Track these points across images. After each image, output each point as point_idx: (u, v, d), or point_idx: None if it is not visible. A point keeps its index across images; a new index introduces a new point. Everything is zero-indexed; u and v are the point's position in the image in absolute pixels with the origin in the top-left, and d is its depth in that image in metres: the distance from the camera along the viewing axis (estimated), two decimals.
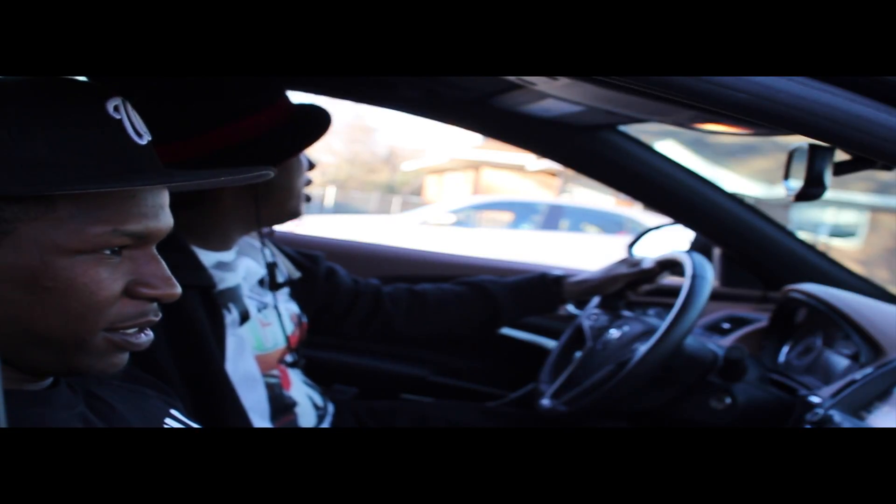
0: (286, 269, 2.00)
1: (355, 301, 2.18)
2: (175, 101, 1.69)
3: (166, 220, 1.03)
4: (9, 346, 0.96)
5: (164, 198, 1.03)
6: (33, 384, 1.03)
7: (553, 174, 22.00)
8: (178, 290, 1.03)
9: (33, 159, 0.92)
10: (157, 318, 1.04)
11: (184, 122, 1.68)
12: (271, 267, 1.93)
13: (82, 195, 0.94)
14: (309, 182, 1.90)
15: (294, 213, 1.88)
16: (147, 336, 1.04)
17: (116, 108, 0.99)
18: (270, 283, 1.91)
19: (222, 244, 1.81)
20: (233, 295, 1.78)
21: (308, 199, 1.90)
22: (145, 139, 1.02)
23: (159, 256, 1.03)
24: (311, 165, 1.91)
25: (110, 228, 0.96)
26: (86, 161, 0.95)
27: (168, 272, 1.03)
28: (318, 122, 1.80)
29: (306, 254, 2.13)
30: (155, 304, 1.03)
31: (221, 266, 1.78)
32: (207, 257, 1.76)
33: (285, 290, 1.97)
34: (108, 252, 0.97)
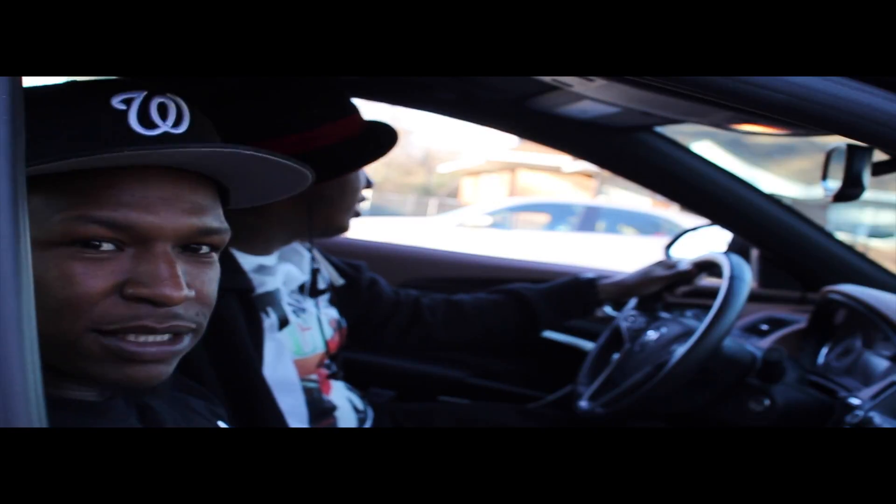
0: (329, 276, 2.01)
1: (395, 311, 2.19)
2: (251, 104, 1.72)
3: (166, 216, 0.94)
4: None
5: (168, 193, 0.95)
6: (92, 395, 1.01)
7: (589, 176, 21.94)
8: (178, 292, 0.93)
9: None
10: (161, 326, 0.95)
11: (257, 125, 1.71)
12: (315, 273, 1.94)
13: (54, 184, 0.90)
14: (363, 199, 1.91)
15: (341, 228, 1.90)
16: (156, 348, 0.95)
17: (126, 101, 0.95)
18: (311, 288, 1.93)
19: (264, 249, 1.82)
20: (271, 299, 1.79)
21: (357, 214, 1.91)
22: (158, 130, 0.95)
23: (171, 258, 0.95)
24: (369, 184, 1.91)
25: (75, 214, 0.90)
26: (59, 147, 0.91)
27: (171, 273, 0.94)
28: (382, 141, 1.81)
29: (350, 263, 2.15)
30: (161, 310, 0.94)
31: (262, 270, 1.79)
32: (248, 261, 1.77)
33: (325, 296, 1.97)
34: (93, 246, 0.91)
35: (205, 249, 1.00)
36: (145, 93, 0.96)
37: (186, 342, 0.99)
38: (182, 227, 0.95)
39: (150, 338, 0.95)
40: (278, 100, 1.73)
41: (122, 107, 0.95)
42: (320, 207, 1.79)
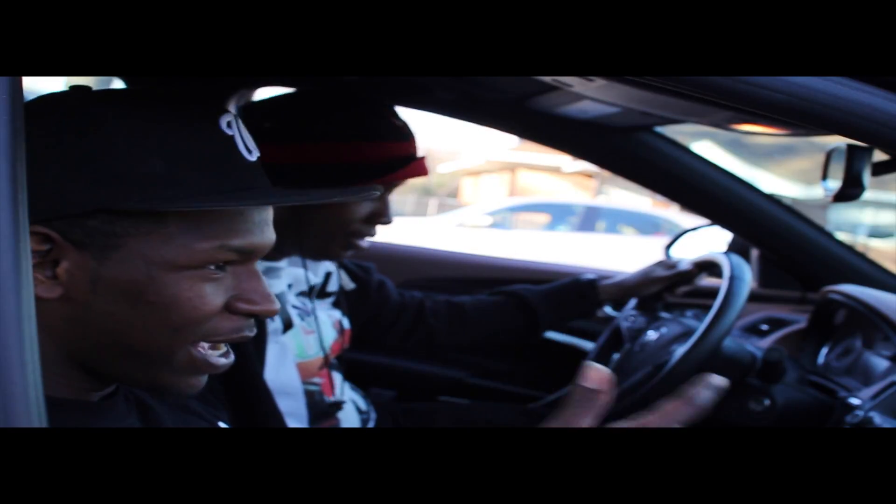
0: (340, 280, 2.01)
1: (400, 314, 2.19)
2: (309, 106, 1.76)
3: (269, 236, 1.03)
4: (98, 356, 0.98)
5: (269, 214, 1.03)
6: (93, 393, 1.02)
7: (589, 176, 21.93)
8: (277, 305, 1.03)
9: (148, 175, 0.93)
10: (252, 334, 1.04)
11: (310, 128, 1.74)
12: (327, 276, 1.94)
13: (192, 212, 0.95)
14: (360, 233, 1.85)
15: (331, 256, 1.89)
16: (227, 360, 1.04)
17: (229, 125, 0.99)
18: (320, 291, 1.92)
19: (273, 256, 1.81)
20: None
21: (352, 246, 1.85)
22: (254, 155, 1.02)
23: (260, 273, 1.03)
24: (387, 220, 1.86)
25: (217, 244, 0.96)
26: (198, 177, 0.95)
27: (267, 289, 1.02)
28: (404, 171, 1.79)
29: (361, 265, 2.14)
30: (251, 321, 1.03)
31: (268, 272, 1.79)
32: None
33: (330, 299, 1.97)
34: (212, 268, 0.97)
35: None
36: (233, 113, 1.02)
37: None
38: (271, 243, 1.04)
39: (231, 353, 1.05)
40: (321, 104, 1.76)
41: (230, 132, 0.99)
42: (308, 230, 1.79)
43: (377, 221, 1.84)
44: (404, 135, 1.81)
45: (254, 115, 1.80)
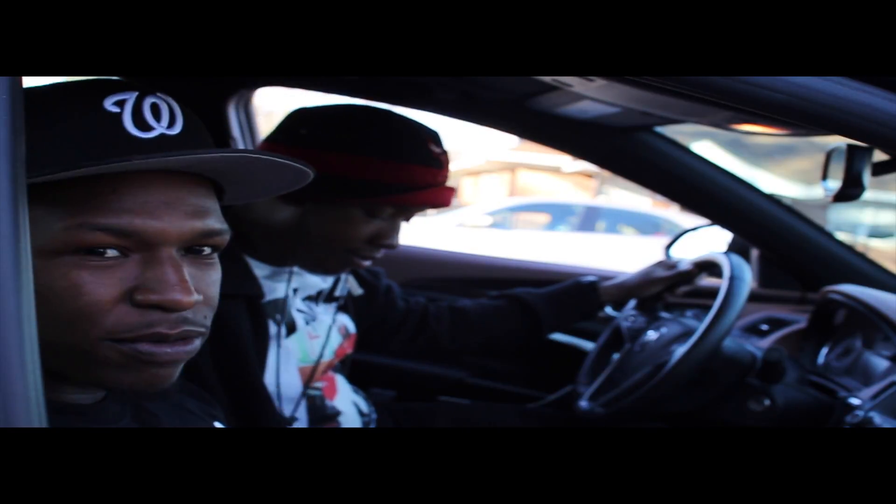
0: (349, 286, 2.00)
1: (405, 319, 2.20)
2: (347, 119, 1.78)
3: (169, 221, 0.93)
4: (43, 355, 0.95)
5: (169, 195, 0.93)
6: (85, 397, 1.01)
7: (589, 176, 21.92)
8: (188, 297, 0.93)
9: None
10: (174, 332, 0.93)
11: (341, 139, 1.73)
12: (336, 281, 1.94)
13: (55, 192, 0.89)
14: (373, 255, 1.83)
15: (328, 271, 1.87)
16: (172, 349, 0.94)
17: (118, 103, 0.93)
18: (328, 295, 1.92)
19: (277, 261, 1.80)
20: (280, 306, 1.78)
21: (352, 263, 1.83)
22: (154, 133, 0.94)
23: (177, 262, 0.94)
24: (391, 243, 1.82)
25: (77, 222, 0.89)
26: (58, 154, 0.90)
27: (179, 278, 0.93)
28: (424, 195, 1.77)
29: (370, 269, 2.14)
30: (172, 315, 0.93)
31: (274, 276, 1.78)
32: (261, 268, 1.77)
33: (334, 304, 1.97)
34: (98, 253, 0.90)
35: (207, 251, 0.99)
36: (136, 93, 0.94)
37: (196, 345, 0.98)
38: (185, 230, 0.94)
39: (174, 343, 0.94)
40: (360, 119, 1.77)
41: (116, 109, 0.93)
42: (309, 242, 1.78)
43: (380, 243, 1.80)
44: (435, 162, 1.76)
45: (294, 121, 1.80)
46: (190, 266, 0.96)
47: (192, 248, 0.97)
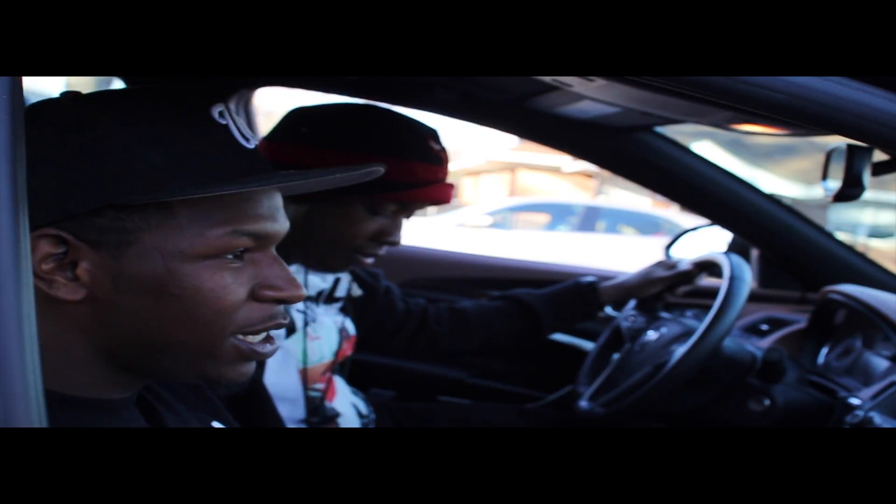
0: (348, 286, 2.00)
1: (405, 320, 2.20)
2: (347, 117, 1.79)
3: (283, 223, 1.03)
4: (136, 354, 0.98)
5: (278, 200, 1.04)
6: (116, 391, 1.02)
7: (589, 176, 21.92)
8: (303, 290, 1.04)
9: (149, 168, 0.93)
10: (286, 321, 1.05)
11: (341, 137, 1.75)
12: (336, 282, 1.93)
13: (199, 200, 0.95)
14: (376, 253, 1.85)
15: (332, 269, 1.88)
16: (272, 346, 1.04)
17: (221, 114, 1.00)
18: (328, 296, 1.92)
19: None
20: None
21: (354, 261, 1.84)
22: (252, 143, 1.02)
23: (280, 258, 1.03)
24: (394, 240, 1.84)
25: (229, 229, 0.96)
26: (199, 166, 0.96)
27: (290, 274, 1.03)
28: (424, 192, 1.78)
29: (370, 271, 2.14)
30: (282, 308, 1.04)
31: None
32: None
33: (335, 305, 1.97)
34: (230, 256, 0.98)
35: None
36: (219, 103, 1.01)
37: None
38: (285, 230, 1.04)
39: (275, 340, 1.05)
40: (359, 117, 1.79)
41: (223, 121, 1.00)
42: (314, 240, 1.78)
43: (384, 240, 1.82)
44: (435, 159, 1.78)
45: (294, 119, 1.80)
46: None
47: None
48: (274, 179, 1.00)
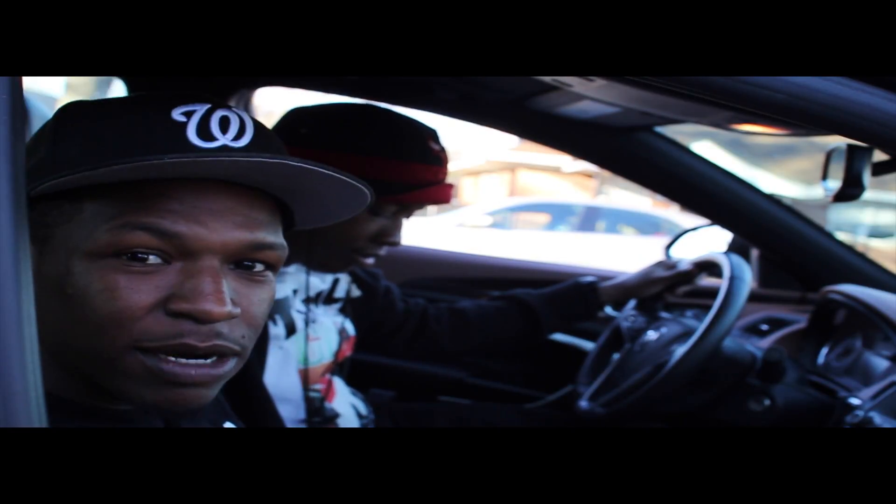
0: (347, 287, 2.00)
1: (405, 320, 2.20)
2: (346, 118, 1.78)
3: (222, 231, 0.91)
4: (64, 360, 0.93)
5: (224, 205, 0.92)
6: (127, 405, 0.99)
7: (589, 175, 21.93)
8: (220, 308, 0.89)
9: (65, 160, 0.90)
10: (203, 345, 0.90)
11: (340, 138, 1.74)
12: (334, 283, 1.93)
13: (104, 193, 0.88)
14: (376, 253, 1.84)
15: (333, 269, 1.87)
16: (196, 370, 0.91)
17: (186, 114, 0.92)
18: (327, 297, 1.92)
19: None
20: (280, 306, 1.78)
21: (354, 261, 1.84)
22: (217, 143, 0.92)
23: (217, 273, 0.91)
24: (395, 241, 1.83)
25: (122, 222, 0.87)
26: (116, 154, 0.88)
27: (215, 288, 0.89)
28: (424, 193, 1.77)
29: (369, 271, 2.14)
30: (204, 327, 0.90)
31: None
32: None
33: (334, 305, 1.97)
34: (140, 259, 0.88)
35: (259, 267, 0.96)
36: (208, 106, 0.93)
37: (230, 366, 0.95)
38: (231, 240, 0.91)
39: (192, 360, 0.91)
40: (359, 118, 1.77)
41: (182, 119, 0.91)
42: (316, 241, 1.78)
43: (384, 241, 1.81)
44: (435, 159, 1.78)
45: (293, 120, 1.80)
46: (236, 280, 0.94)
47: (242, 262, 0.94)
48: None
